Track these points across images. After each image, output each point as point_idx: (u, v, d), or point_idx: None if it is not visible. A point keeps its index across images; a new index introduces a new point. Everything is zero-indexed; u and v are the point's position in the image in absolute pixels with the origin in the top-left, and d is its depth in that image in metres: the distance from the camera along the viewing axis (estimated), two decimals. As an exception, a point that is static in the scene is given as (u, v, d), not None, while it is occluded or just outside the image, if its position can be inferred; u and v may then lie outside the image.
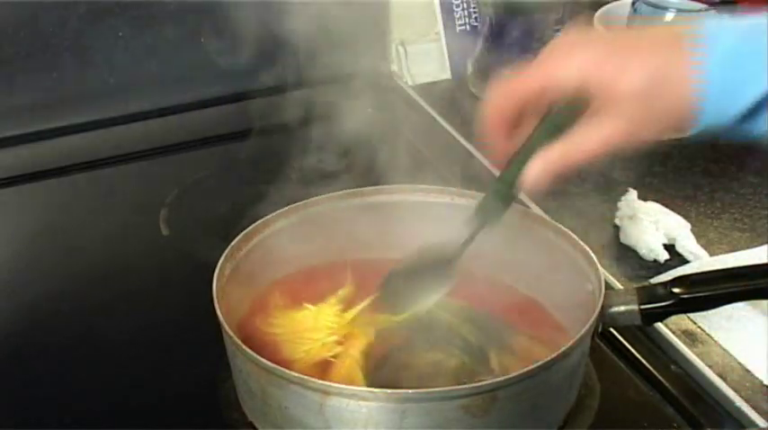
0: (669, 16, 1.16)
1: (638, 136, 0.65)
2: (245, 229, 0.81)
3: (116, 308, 0.90)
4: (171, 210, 1.03)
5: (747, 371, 0.82)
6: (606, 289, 0.74)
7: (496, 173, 0.72)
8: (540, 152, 0.67)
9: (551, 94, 0.66)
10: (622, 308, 0.74)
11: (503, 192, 0.71)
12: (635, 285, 0.84)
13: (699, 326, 0.86)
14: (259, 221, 0.82)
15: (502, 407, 0.67)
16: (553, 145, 0.67)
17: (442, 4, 1.30)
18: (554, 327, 0.81)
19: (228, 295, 0.75)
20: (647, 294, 0.75)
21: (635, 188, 1.01)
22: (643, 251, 0.95)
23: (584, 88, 0.65)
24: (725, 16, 0.64)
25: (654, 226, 0.97)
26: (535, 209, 0.95)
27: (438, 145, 1.08)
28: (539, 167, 0.67)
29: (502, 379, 0.67)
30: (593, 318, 0.71)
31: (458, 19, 1.30)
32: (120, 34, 1.17)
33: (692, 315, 0.86)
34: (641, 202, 1.00)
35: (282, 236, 0.83)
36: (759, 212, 1.02)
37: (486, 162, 1.08)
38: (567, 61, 0.65)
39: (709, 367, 0.81)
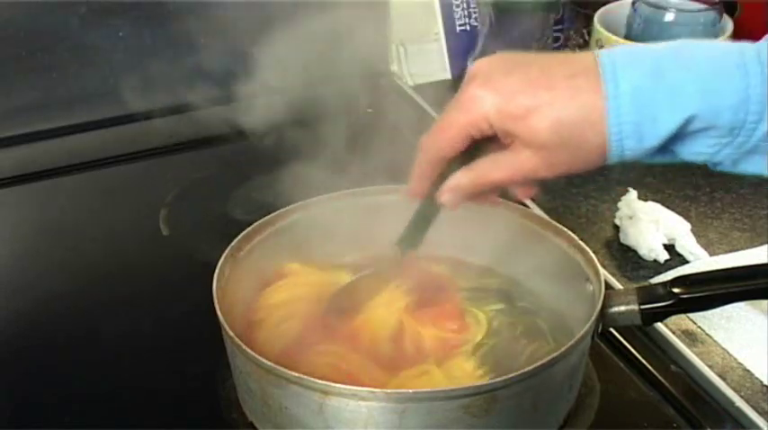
0: (669, 16, 1.16)
1: (551, 170, 0.65)
2: (245, 229, 0.81)
3: (116, 308, 0.90)
4: (171, 210, 1.03)
5: (747, 371, 0.82)
6: (606, 289, 0.74)
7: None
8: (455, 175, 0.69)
9: (473, 132, 0.66)
10: (622, 308, 0.74)
11: (411, 237, 0.76)
12: (635, 285, 0.84)
13: (699, 327, 0.86)
14: (259, 221, 0.82)
15: (502, 407, 0.67)
16: (466, 169, 0.68)
17: (441, 4, 1.30)
18: (554, 327, 0.81)
19: (228, 295, 0.75)
20: (647, 294, 0.75)
21: (635, 188, 1.01)
22: (643, 251, 0.95)
23: (497, 123, 0.65)
24: (633, 46, 0.64)
25: (654, 226, 0.97)
26: (535, 209, 0.95)
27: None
28: (450, 191, 0.69)
29: (502, 379, 0.67)
30: (593, 318, 0.71)
31: (458, 19, 1.30)
32: (120, 34, 1.17)
33: (692, 315, 0.86)
34: (641, 202, 1.00)
35: (283, 236, 0.83)
36: (759, 212, 1.02)
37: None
38: (482, 97, 0.65)
39: (710, 367, 0.81)
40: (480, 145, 0.68)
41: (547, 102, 0.63)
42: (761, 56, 0.61)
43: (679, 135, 0.62)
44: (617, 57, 0.63)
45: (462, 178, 0.69)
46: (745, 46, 0.62)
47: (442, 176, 0.70)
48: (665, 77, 0.61)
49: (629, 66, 0.62)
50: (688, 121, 0.61)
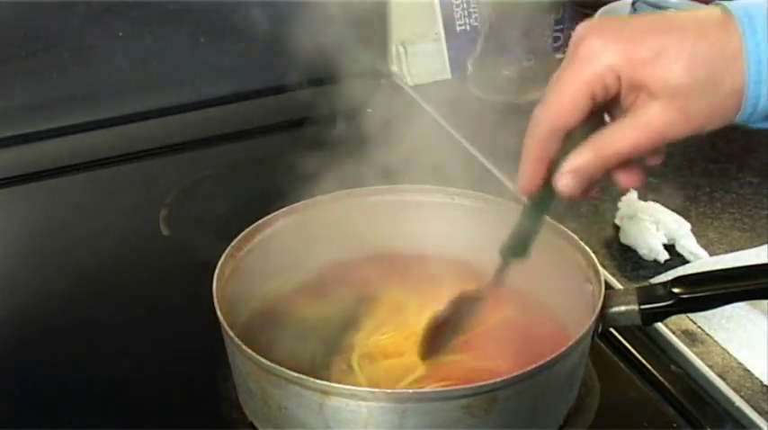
0: (669, 16, 1.16)
1: (688, 123, 0.58)
2: (245, 229, 0.81)
3: (116, 308, 0.90)
4: (171, 210, 1.03)
5: (747, 371, 0.82)
6: (606, 289, 0.74)
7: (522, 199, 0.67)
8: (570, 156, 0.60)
9: (597, 90, 0.59)
10: (622, 308, 0.74)
11: (519, 243, 0.70)
12: (635, 285, 0.84)
13: (699, 327, 0.86)
14: (259, 221, 0.82)
15: (502, 408, 0.67)
16: (586, 144, 0.60)
17: (442, 4, 1.30)
18: (554, 327, 0.81)
19: (228, 295, 0.75)
20: (647, 294, 0.75)
21: (635, 188, 1.01)
22: (643, 251, 0.95)
23: (626, 71, 0.58)
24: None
25: (654, 226, 0.97)
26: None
27: (438, 145, 1.07)
28: (571, 173, 0.60)
29: (502, 379, 0.67)
30: (593, 318, 0.71)
31: (458, 19, 1.30)
32: (120, 34, 1.17)
33: (692, 315, 0.86)
34: (641, 202, 0.99)
35: (283, 236, 0.83)
36: (759, 212, 1.02)
37: (486, 162, 1.08)
38: (603, 46, 0.58)
39: (710, 367, 0.81)
40: (597, 119, 0.60)
41: (676, 41, 0.57)
42: None
43: None
44: (743, 1, 0.58)
45: (583, 154, 0.59)
46: None
47: (556, 163, 0.61)
48: None
49: (759, 6, 0.57)
50: None
